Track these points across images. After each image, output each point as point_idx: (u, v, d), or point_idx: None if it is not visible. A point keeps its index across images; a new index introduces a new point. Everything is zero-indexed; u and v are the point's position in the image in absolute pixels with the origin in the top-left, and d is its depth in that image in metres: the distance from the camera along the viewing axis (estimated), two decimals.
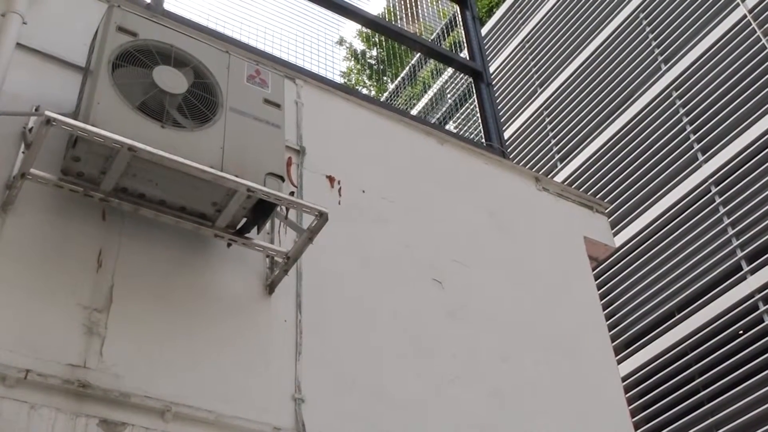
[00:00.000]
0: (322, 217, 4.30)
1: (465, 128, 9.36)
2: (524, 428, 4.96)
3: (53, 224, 4.17)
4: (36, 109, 4.39)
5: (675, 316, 11.86)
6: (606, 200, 12.40)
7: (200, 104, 4.24)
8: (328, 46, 7.04)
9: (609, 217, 6.89)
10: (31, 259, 4.03)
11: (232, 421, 4.01)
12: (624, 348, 12.05)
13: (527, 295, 5.66)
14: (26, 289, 3.93)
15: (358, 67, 25.87)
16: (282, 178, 4.30)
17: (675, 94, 13.20)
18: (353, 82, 24.98)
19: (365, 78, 25.66)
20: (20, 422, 3.27)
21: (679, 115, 12.99)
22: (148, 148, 3.89)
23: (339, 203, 5.20)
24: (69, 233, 4.19)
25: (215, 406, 4.02)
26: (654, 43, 14.05)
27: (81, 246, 4.19)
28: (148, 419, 3.80)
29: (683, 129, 12.83)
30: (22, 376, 3.63)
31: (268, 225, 4.66)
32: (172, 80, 4.17)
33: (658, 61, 13.83)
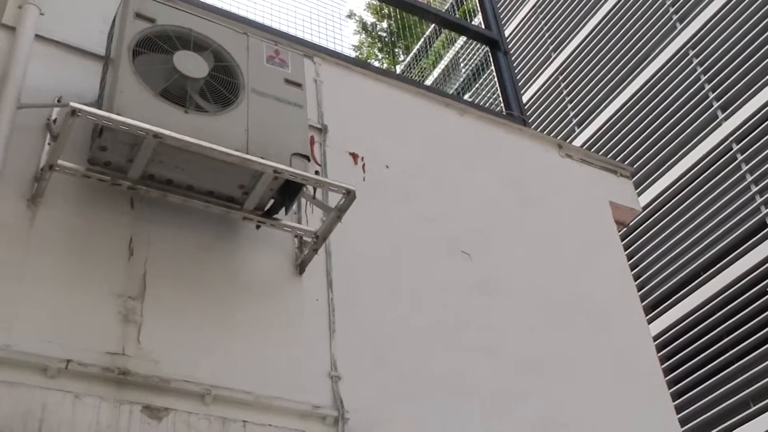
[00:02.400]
0: (349, 195, 4.29)
1: (482, 98, 9.31)
2: (559, 397, 4.97)
3: (83, 215, 4.19)
4: (58, 100, 4.40)
5: (700, 276, 11.83)
6: (625, 163, 12.32)
7: (222, 87, 4.23)
8: (338, 21, 6.99)
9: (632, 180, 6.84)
10: (64, 250, 4.06)
11: (271, 401, 4.04)
12: (650, 310, 12.04)
13: (555, 263, 5.64)
14: (61, 281, 3.96)
15: (369, 40, 25.74)
16: (307, 158, 4.30)
17: (692, 53, 13.06)
18: (365, 55, 24.87)
19: (376, 51, 25.54)
20: (65, 412, 3.31)
21: (696, 73, 12.86)
22: (174, 134, 3.90)
23: (363, 180, 5.19)
24: (99, 223, 4.21)
25: (253, 387, 4.05)
26: (668, 2, 13.87)
27: (111, 235, 4.21)
28: (189, 403, 3.83)
29: (701, 87, 12.71)
30: (63, 366, 3.67)
31: (294, 205, 4.66)
32: (192, 65, 4.16)
33: (673, 20, 13.68)
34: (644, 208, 12.58)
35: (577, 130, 15.09)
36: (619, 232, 6.30)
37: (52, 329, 3.79)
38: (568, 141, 14.35)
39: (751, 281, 10.90)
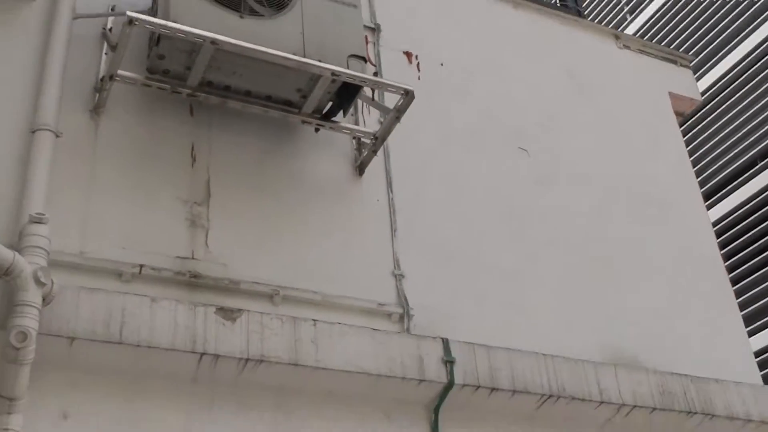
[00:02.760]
0: (408, 96, 4.26)
1: None
2: (620, 289, 5.00)
3: (144, 124, 4.24)
4: (112, 9, 4.39)
5: (758, 164, 11.61)
6: (680, 50, 11.95)
7: None
8: None
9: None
10: (128, 158, 4.13)
11: (338, 300, 4.14)
12: (707, 198, 11.90)
13: (615, 156, 5.59)
14: (128, 189, 4.04)
15: None
16: (364, 59, 4.26)
17: None
18: None
19: None
20: (144, 315, 3.43)
21: None
22: (231, 40, 3.87)
23: (419, 78, 5.13)
24: (160, 131, 4.26)
25: (320, 286, 4.14)
26: None
27: (173, 143, 4.26)
28: (259, 304, 3.94)
29: None
30: (137, 271, 3.79)
31: (351, 107, 4.64)
32: None
33: None
34: (702, 93, 12.28)
35: (629, 18, 14.63)
36: (679, 122, 6.18)
37: (124, 236, 3.89)
38: (620, 30, 13.93)
39: None
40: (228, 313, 3.60)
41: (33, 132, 3.87)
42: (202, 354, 3.46)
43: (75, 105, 4.10)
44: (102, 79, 4.11)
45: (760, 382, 5.16)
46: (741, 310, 9.22)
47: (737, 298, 9.41)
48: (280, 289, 4.04)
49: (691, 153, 12.13)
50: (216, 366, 3.50)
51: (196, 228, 4.07)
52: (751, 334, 10.29)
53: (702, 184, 12.00)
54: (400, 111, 4.34)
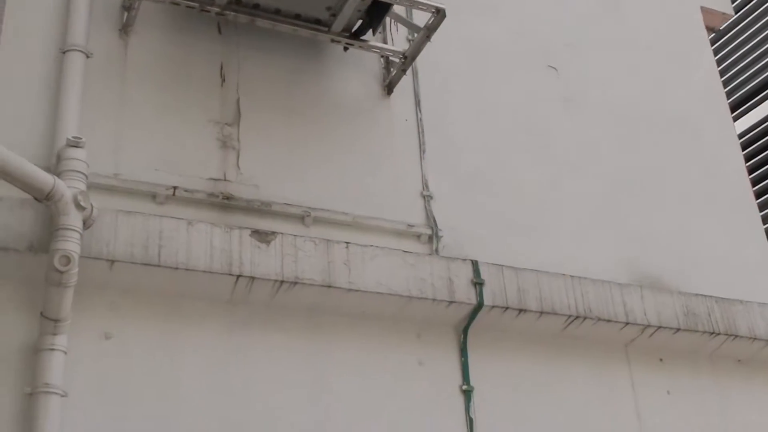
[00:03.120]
0: (439, 14, 4.19)
1: None
2: (645, 209, 5.01)
3: (173, 42, 4.20)
4: None
5: None
6: None
7: None
8: None
9: None
10: (158, 79, 4.10)
11: (368, 221, 4.17)
12: (732, 110, 11.76)
13: (645, 75, 5.51)
14: (159, 110, 4.04)
15: None
16: None
17: None
18: None
19: None
20: (180, 237, 3.48)
21: None
22: None
23: None
24: (189, 51, 4.22)
25: (350, 208, 4.17)
26: None
27: (203, 62, 4.23)
28: (290, 225, 3.98)
29: None
30: (171, 192, 3.82)
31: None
32: None
33: None
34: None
35: None
36: (710, 37, 6.07)
37: (156, 157, 3.91)
38: None
39: None
40: (263, 236, 3.65)
41: (63, 52, 3.86)
42: (239, 276, 3.52)
43: (103, 25, 4.06)
44: None
45: None
46: (765, 223, 9.27)
47: (761, 211, 9.45)
48: (311, 211, 4.07)
49: (718, 64, 11.98)
50: (252, 288, 3.57)
51: (227, 149, 4.09)
52: None
53: (728, 95, 11.85)
54: (430, 29, 4.27)
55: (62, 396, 3.14)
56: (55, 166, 3.40)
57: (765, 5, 11.58)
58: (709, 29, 6.07)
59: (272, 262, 3.60)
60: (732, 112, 11.67)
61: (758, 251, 5.28)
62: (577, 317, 4.09)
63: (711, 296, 4.47)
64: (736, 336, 4.40)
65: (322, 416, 3.60)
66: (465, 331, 3.98)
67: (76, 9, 3.92)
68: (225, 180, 4.00)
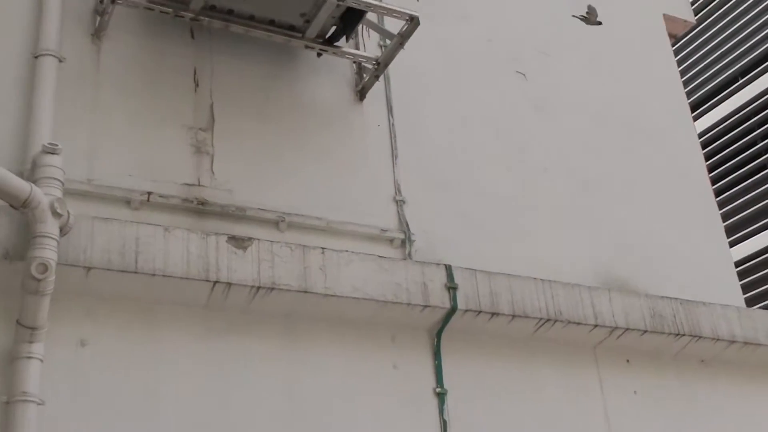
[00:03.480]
0: (413, 22, 4.24)
1: None
2: (612, 212, 5.12)
3: (146, 48, 4.19)
4: None
5: (738, 81, 11.71)
6: None
7: None
8: None
9: None
10: (131, 84, 4.10)
11: (341, 226, 4.21)
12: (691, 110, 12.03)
13: (610, 80, 5.63)
14: (132, 114, 4.03)
15: None
16: None
17: None
18: None
19: None
20: (157, 244, 3.47)
21: None
22: None
23: (418, 1, 5.06)
24: (163, 56, 4.22)
25: (324, 213, 4.21)
26: None
27: (176, 67, 4.23)
28: (265, 231, 4.00)
29: None
30: (145, 198, 3.82)
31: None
32: None
33: None
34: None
35: None
36: (672, 43, 6.21)
37: (129, 163, 3.91)
38: None
39: None
40: (239, 242, 3.66)
41: (36, 57, 3.83)
42: (215, 282, 3.53)
43: (76, 29, 4.04)
44: (103, 2, 4.03)
45: (742, 301, 5.37)
46: (724, 221, 9.51)
47: (721, 209, 9.68)
48: (286, 216, 4.10)
49: (679, 65, 12.23)
50: (228, 294, 3.58)
51: (201, 154, 4.09)
52: (733, 244, 10.65)
53: (688, 95, 12.12)
54: (404, 37, 4.32)
55: (39, 404, 3.12)
56: (31, 172, 3.38)
57: (723, 10, 11.86)
58: (672, 36, 6.21)
59: (249, 268, 3.61)
60: (692, 112, 11.98)
61: (717, 251, 5.45)
62: (548, 320, 4.16)
63: (676, 298, 4.58)
64: (700, 337, 4.52)
65: (299, 420, 3.62)
66: (439, 334, 4.03)
67: (49, 13, 3.90)
68: (199, 185, 4.01)
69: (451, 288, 3.99)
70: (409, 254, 4.31)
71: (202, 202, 3.95)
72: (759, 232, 10.93)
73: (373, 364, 3.87)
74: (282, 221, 4.08)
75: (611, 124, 5.45)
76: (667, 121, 5.77)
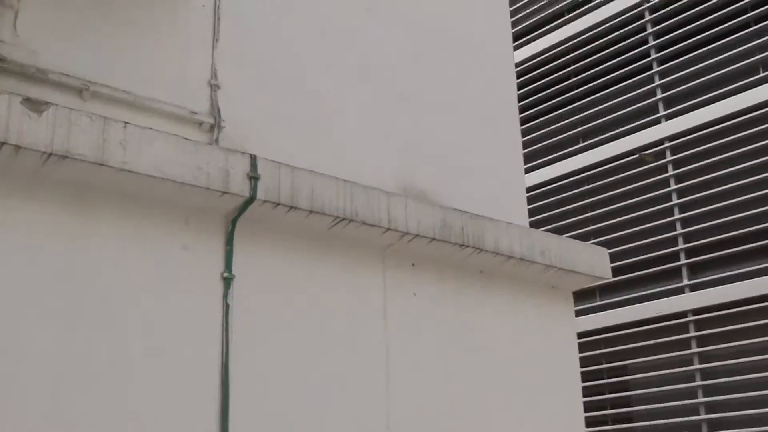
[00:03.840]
0: None
1: None
2: (421, 124, 5.32)
3: None
4: None
5: (564, 17, 12.23)
6: None
7: None
8: None
9: None
10: None
11: (150, 103, 4.14)
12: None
13: None
14: None
15: None
16: None
17: None
18: None
19: None
20: None
21: None
22: None
23: None
24: None
25: (133, 87, 4.11)
26: None
27: None
28: (67, 97, 3.87)
29: None
30: None
31: None
32: None
33: None
34: None
35: None
36: None
37: None
38: None
39: (608, 28, 11.42)
40: (35, 105, 3.51)
41: None
42: (3, 143, 3.38)
43: None
44: None
45: (527, 223, 5.80)
46: (525, 148, 10.05)
47: (524, 136, 10.21)
48: (91, 84, 3.97)
49: None
50: (17, 157, 3.45)
51: (4, 7, 3.85)
52: (529, 171, 11.33)
53: (514, 24, 12.54)
54: None
55: None
56: None
57: None
58: None
59: (42, 133, 3.48)
60: (518, 40, 12.43)
61: (512, 174, 5.82)
62: (343, 219, 4.32)
63: (467, 212, 4.87)
64: (482, 249, 4.85)
65: (79, 292, 3.58)
66: (234, 221, 4.08)
67: None
68: None
69: (253, 178, 4.04)
70: (216, 140, 4.31)
71: (0, 59, 3.74)
72: (554, 162, 11.71)
73: (163, 242, 3.88)
74: (86, 89, 3.96)
75: (437, 38, 5.61)
76: (491, 45, 6.01)
